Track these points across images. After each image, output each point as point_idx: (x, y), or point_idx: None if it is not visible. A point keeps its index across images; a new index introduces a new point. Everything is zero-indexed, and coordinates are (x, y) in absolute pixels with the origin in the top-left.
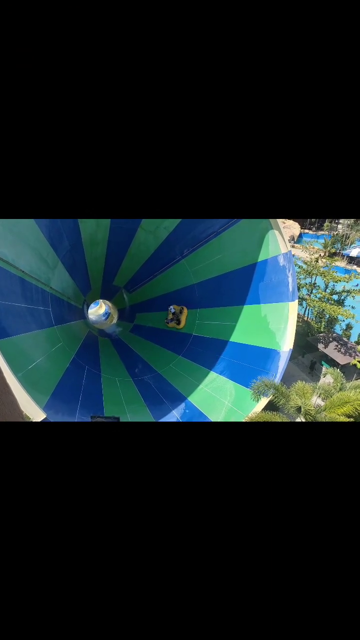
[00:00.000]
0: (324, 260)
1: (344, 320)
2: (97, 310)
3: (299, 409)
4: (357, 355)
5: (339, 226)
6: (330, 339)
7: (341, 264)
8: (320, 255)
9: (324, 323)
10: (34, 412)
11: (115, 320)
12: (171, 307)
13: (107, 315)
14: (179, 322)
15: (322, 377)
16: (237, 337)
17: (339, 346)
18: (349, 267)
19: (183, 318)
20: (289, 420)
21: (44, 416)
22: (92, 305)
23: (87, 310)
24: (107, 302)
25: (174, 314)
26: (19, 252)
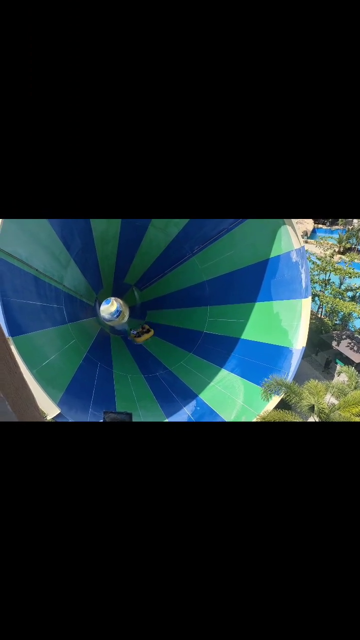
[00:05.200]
0: (340, 256)
1: (358, 317)
2: (109, 308)
3: (312, 408)
4: None
5: (355, 220)
6: (345, 337)
7: (357, 259)
8: (334, 250)
9: (337, 320)
10: (49, 408)
11: (126, 318)
12: (133, 330)
13: (119, 312)
14: (148, 331)
15: (336, 375)
16: (248, 334)
17: (354, 344)
18: None
19: (148, 334)
20: (302, 419)
21: (58, 411)
22: (103, 303)
23: (99, 308)
24: (119, 299)
25: (138, 332)
26: (33, 251)
